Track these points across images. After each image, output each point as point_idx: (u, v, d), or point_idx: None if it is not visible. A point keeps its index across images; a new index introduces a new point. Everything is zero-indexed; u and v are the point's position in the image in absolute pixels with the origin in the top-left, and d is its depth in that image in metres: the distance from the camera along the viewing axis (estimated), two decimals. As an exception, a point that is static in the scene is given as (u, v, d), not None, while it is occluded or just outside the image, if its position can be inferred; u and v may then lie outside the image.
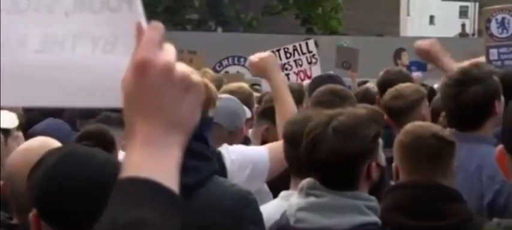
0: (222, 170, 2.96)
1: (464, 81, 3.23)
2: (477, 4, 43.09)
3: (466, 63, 4.43)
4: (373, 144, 2.45)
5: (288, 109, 3.29)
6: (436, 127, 2.80)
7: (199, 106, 1.16)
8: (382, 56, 16.01)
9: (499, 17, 5.80)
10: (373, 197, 2.45)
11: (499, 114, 3.22)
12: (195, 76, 1.16)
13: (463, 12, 46.08)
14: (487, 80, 3.25)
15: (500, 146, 1.47)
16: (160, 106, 1.12)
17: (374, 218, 2.43)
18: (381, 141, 2.52)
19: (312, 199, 2.43)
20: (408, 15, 40.03)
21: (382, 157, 2.52)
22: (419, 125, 2.84)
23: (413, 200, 2.68)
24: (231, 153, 3.05)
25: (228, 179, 2.89)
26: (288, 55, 8.01)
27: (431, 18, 46.94)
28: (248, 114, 3.65)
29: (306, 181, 2.48)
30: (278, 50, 7.85)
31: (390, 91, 3.94)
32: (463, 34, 40.09)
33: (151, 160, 1.11)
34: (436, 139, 2.72)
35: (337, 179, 2.43)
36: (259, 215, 2.61)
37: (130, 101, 1.13)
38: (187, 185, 2.52)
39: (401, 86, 4.02)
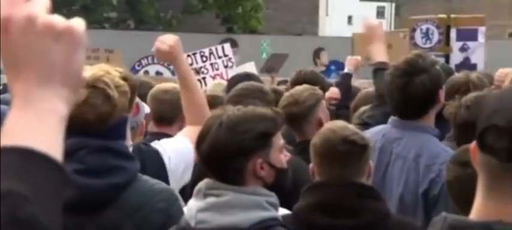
0: (162, 169, 2.93)
1: (411, 71, 3.29)
2: (394, 5, 44.05)
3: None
4: (257, 141, 2.41)
5: (197, 96, 3.21)
6: (349, 130, 2.81)
7: (78, 53, 1.11)
8: (301, 55, 16.14)
9: (424, 27, 5.96)
10: (272, 193, 2.44)
11: (442, 102, 3.30)
12: (66, 23, 1.11)
13: (380, 12, 46.99)
14: (432, 70, 3.32)
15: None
16: (28, 60, 1.08)
17: (275, 213, 2.43)
18: (280, 141, 2.50)
19: (211, 199, 2.41)
20: (327, 15, 40.53)
21: (280, 158, 2.49)
22: (332, 129, 2.83)
23: (329, 199, 2.71)
24: (167, 150, 3.02)
25: (168, 178, 2.90)
26: (204, 59, 7.96)
27: (350, 18, 47.65)
28: (147, 109, 3.61)
29: (204, 183, 2.45)
30: (194, 54, 7.80)
31: (286, 97, 3.89)
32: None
33: (26, 122, 1.05)
34: (346, 144, 2.75)
35: (220, 174, 2.42)
36: (183, 213, 2.60)
37: (3, 63, 1.09)
38: (117, 185, 2.52)
39: (297, 91, 3.95)
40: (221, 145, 2.39)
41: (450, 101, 3.57)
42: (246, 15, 24.91)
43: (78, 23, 1.12)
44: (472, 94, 3.37)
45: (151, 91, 4.24)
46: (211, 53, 8.07)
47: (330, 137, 2.78)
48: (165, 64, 15.76)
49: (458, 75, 4.01)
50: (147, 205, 2.55)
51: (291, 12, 28.94)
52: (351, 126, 2.93)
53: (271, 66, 10.07)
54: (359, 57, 6.09)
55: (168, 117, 4.10)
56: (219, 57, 8.12)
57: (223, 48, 8.34)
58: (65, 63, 1.09)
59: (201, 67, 7.70)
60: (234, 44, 17.25)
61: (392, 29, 41.89)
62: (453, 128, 3.36)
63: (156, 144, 3.07)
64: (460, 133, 3.26)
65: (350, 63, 6.33)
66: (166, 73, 13.11)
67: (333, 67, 14.11)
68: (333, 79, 13.63)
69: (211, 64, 8.02)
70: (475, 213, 1.49)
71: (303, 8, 29.54)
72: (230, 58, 8.20)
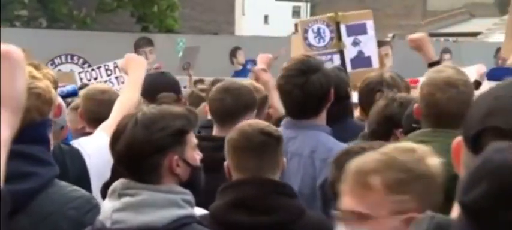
0: (83, 168, 2.92)
1: (306, 70, 3.35)
2: (309, 4, 44.60)
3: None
4: (172, 138, 2.43)
5: (130, 99, 3.37)
6: (263, 124, 2.91)
7: (17, 77, 1.10)
8: (218, 54, 16.12)
9: (315, 27, 6.13)
10: (188, 191, 2.45)
11: (331, 101, 3.42)
12: (3, 48, 1.09)
13: (296, 12, 47.46)
14: (323, 69, 3.40)
15: (459, 138, 1.46)
16: None
17: (190, 210, 2.45)
18: (194, 140, 2.52)
19: (126, 199, 2.39)
20: (243, 14, 40.66)
21: (195, 157, 2.52)
22: (247, 123, 2.92)
23: (247, 197, 2.73)
24: (87, 149, 3.00)
25: (84, 179, 2.88)
26: (109, 72, 7.80)
27: (266, 17, 47.95)
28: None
29: (119, 182, 2.44)
30: (98, 68, 7.65)
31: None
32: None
33: None
34: (263, 136, 2.81)
35: (135, 172, 2.42)
36: None
37: None
38: (27, 191, 2.46)
39: None
40: (137, 142, 2.39)
41: (369, 96, 3.66)
42: (162, 14, 24.73)
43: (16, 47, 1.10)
44: (404, 95, 3.47)
45: (88, 92, 4.13)
46: (115, 67, 7.91)
47: (246, 130, 2.83)
48: (79, 63, 15.49)
49: (372, 74, 4.10)
50: (57, 213, 2.51)
51: (207, 11, 28.92)
52: (262, 121, 3.00)
53: (186, 62, 9.95)
54: (270, 55, 6.16)
55: (106, 118, 4.03)
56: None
57: None
58: (4, 88, 1.08)
59: (106, 81, 7.54)
60: (149, 43, 17.11)
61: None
62: (376, 118, 3.39)
63: (75, 143, 3.04)
64: (381, 125, 3.31)
65: (262, 61, 6.25)
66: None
67: (249, 67, 14.14)
68: (250, 78, 13.70)
69: (116, 77, 7.87)
70: None
71: (219, 8, 29.58)
72: None
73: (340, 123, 3.60)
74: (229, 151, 2.85)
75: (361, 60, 5.90)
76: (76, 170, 2.88)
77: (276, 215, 2.71)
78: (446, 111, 2.94)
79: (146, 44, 16.67)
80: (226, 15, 30.20)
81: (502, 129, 1.38)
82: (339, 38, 6.11)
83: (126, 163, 2.44)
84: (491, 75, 5.42)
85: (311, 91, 3.32)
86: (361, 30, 6.17)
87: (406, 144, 2.09)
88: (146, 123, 2.40)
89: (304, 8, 46.11)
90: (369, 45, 6.09)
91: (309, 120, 3.38)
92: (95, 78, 7.35)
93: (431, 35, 31.04)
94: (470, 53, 18.43)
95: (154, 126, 2.40)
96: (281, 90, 3.46)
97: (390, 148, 1.99)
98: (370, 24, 6.26)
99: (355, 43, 6.12)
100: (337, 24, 6.16)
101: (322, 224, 2.88)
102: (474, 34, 33.89)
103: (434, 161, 1.94)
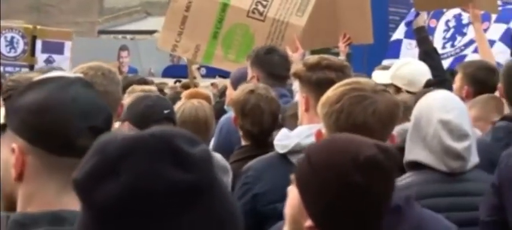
0: None
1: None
2: None
3: None
4: None
5: None
6: None
7: None
8: None
9: (9, 35, 5.96)
10: None
11: None
12: None
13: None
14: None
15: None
16: None
17: None
18: None
19: None
20: None
21: None
22: None
23: None
24: None
25: None
26: None
27: None
28: None
29: None
30: None
31: None
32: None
33: None
34: None
35: None
36: None
37: None
38: None
39: None
40: None
41: None
42: None
43: None
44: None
45: None
46: None
47: None
48: None
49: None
50: None
51: None
52: None
53: None
54: None
55: None
56: None
57: None
58: None
59: None
60: None
61: None
62: None
63: None
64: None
65: None
66: None
67: None
68: None
69: None
70: (40, 205, 1.54)
71: None
72: None
73: None
74: None
75: None
76: None
77: None
78: None
79: None
80: None
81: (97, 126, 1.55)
82: (33, 52, 6.05)
83: None
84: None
85: None
86: (58, 49, 6.16)
87: None
88: None
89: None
90: (63, 66, 6.12)
91: None
92: None
93: (109, 32, 31.24)
94: (147, 50, 18.89)
95: None
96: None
97: None
98: (68, 45, 6.27)
99: (49, 61, 6.12)
100: (34, 38, 6.07)
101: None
102: (150, 32, 34.80)
103: None
